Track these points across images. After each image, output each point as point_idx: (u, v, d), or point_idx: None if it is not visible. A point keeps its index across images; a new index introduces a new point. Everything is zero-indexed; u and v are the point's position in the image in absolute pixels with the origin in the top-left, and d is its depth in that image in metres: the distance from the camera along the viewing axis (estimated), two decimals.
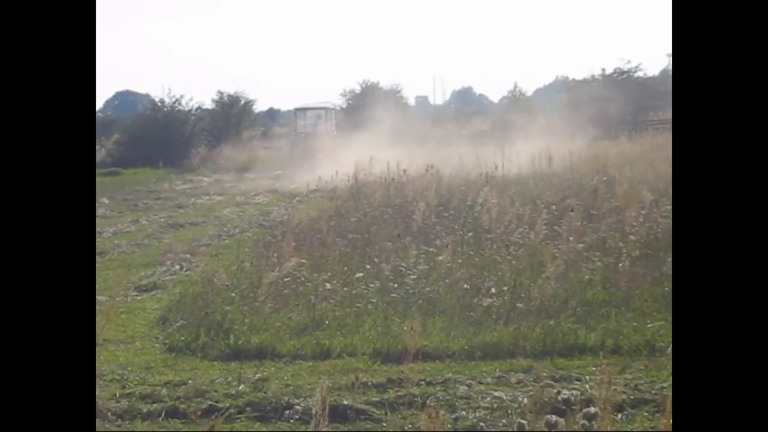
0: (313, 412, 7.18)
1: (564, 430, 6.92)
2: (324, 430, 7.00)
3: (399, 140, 34.19)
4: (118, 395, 8.27)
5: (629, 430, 7.14)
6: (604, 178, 20.51)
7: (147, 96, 62.70)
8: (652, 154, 27.00)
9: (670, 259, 12.16)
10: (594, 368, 8.41)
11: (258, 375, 8.70)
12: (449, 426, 7.19)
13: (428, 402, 7.70)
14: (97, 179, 27.34)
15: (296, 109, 44.93)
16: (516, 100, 61.74)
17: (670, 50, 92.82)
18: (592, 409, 7.09)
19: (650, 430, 6.96)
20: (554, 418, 7.06)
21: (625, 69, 52.62)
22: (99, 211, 23.33)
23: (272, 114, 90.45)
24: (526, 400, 7.58)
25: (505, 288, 11.03)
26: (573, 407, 7.28)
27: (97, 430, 7.35)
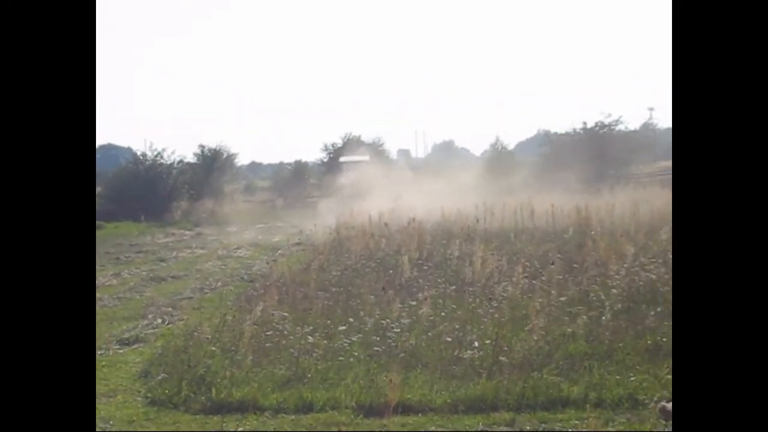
0: None
1: None
2: None
3: (380, 193, 34.27)
4: None
5: (630, 430, 7.16)
6: (590, 232, 20.59)
7: (129, 149, 62.55)
8: (633, 207, 27.12)
9: (652, 312, 12.22)
10: (577, 421, 8.42)
11: (240, 429, 8.66)
12: None
13: None
14: None
15: (342, 162, 52.48)
16: (498, 153, 61.93)
17: (651, 104, 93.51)
18: None
19: (650, 430, 6.96)
20: None
21: (607, 122, 52.92)
22: None
23: (254, 167, 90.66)
24: None
25: (488, 341, 11.02)
26: None
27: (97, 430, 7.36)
